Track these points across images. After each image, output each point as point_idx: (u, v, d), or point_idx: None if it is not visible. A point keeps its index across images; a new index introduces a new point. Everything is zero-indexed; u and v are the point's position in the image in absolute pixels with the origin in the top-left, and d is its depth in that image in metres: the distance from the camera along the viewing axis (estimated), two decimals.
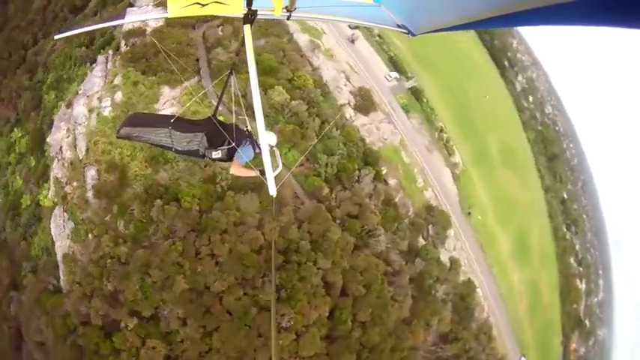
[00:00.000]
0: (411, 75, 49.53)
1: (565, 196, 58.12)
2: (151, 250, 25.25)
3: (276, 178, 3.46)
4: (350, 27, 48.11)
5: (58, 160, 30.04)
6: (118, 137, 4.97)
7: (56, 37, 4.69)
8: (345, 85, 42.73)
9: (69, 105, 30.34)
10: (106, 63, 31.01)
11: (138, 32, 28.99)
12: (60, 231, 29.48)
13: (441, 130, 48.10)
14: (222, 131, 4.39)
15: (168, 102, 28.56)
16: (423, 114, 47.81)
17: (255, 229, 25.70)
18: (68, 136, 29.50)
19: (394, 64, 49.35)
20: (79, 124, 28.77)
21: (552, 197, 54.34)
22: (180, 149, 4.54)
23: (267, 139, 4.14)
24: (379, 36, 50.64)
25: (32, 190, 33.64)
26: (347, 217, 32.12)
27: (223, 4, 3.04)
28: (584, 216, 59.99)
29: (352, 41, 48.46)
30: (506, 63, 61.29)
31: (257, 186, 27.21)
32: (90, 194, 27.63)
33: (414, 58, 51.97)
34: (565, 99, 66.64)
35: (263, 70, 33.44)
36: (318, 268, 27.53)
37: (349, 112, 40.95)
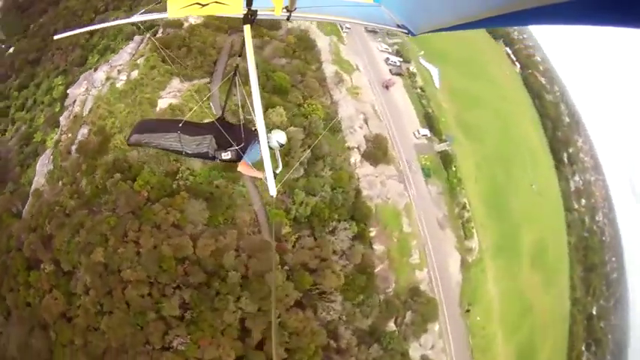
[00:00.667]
0: (445, 138, 48.66)
1: (594, 312, 53.10)
2: (91, 215, 28.07)
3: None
4: (391, 72, 51.15)
5: (68, 111, 35.74)
6: (128, 144, 5.80)
7: (56, 37, 5.41)
8: (361, 128, 42.60)
9: (96, 69, 36.61)
10: (140, 44, 37.19)
11: (175, 24, 35.07)
12: (42, 169, 35.03)
13: (464, 207, 45.23)
14: (230, 132, 4.84)
15: (172, 93, 33.05)
16: (447, 184, 45.56)
17: (189, 239, 26.80)
18: (83, 95, 35.58)
19: (429, 121, 49.22)
20: (95, 87, 34.76)
21: (579, 311, 49.29)
22: (190, 152, 5.01)
23: (277, 137, 4.91)
24: (421, 89, 52.34)
25: (46, 130, 40.37)
26: (300, 267, 30.88)
27: (223, 4, 3.24)
28: (609, 336, 54.13)
29: (387, 86, 49.80)
30: (565, 158, 60.53)
31: (214, 198, 28.96)
32: (74, 148, 32.36)
33: (456, 122, 51.87)
34: (619, 210, 64.60)
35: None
36: (239, 308, 27.09)
37: (355, 157, 40.39)
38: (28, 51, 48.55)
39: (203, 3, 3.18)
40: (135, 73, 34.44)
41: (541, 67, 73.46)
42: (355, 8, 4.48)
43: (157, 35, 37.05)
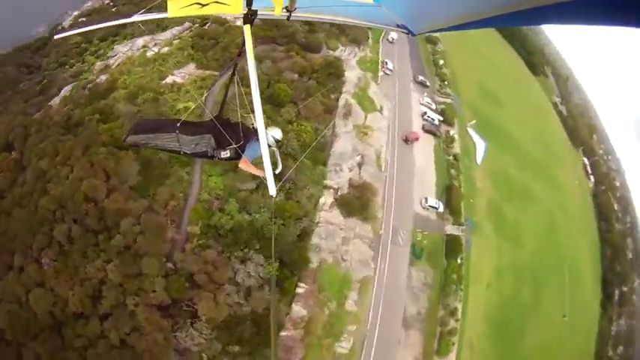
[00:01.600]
0: (465, 221, 44.80)
1: None
2: (63, 135, 37.57)
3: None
4: (423, 128, 53.07)
5: (105, 61, 47.35)
6: (125, 144, 6.19)
7: (56, 36, 6.26)
8: (350, 170, 41.21)
9: (139, 36, 50.04)
10: (186, 30, 48.29)
11: (221, 21, 45.42)
12: (63, 94, 47.15)
13: (453, 314, 39.13)
14: (229, 130, 5.34)
15: (182, 74, 42.51)
16: (441, 276, 40.36)
17: (106, 187, 32.64)
18: (123, 53, 47.03)
19: (449, 195, 45.98)
20: (131, 50, 45.76)
21: None
22: (188, 152, 5.55)
23: (272, 133, 5.77)
24: (455, 157, 52.09)
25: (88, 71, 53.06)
26: (184, 274, 31.27)
27: (223, 4, 3.63)
28: None
29: (406, 139, 50.97)
30: (616, 296, 57.05)
31: (153, 169, 34.18)
32: (89, 86, 42.32)
33: (488, 209, 48.71)
34: None
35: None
36: (104, 270, 30.12)
37: (327, 198, 38.26)
38: (123, 12, 64.05)
39: (203, 3, 3.54)
40: (165, 49, 45.75)
41: (618, 193, 74.59)
42: (355, 8, 4.85)
43: (205, 27, 48.59)
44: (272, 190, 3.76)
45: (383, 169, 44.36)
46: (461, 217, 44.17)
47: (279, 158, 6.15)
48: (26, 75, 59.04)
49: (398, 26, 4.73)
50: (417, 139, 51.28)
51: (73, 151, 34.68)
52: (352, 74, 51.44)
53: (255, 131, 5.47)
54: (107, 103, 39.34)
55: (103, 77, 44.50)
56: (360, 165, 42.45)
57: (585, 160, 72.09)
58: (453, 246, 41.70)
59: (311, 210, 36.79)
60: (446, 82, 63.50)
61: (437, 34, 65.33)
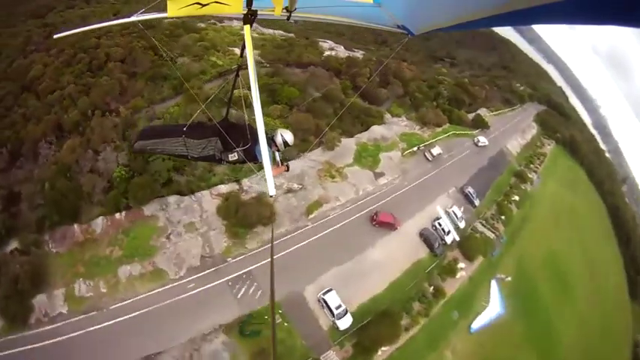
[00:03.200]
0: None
1: None
2: None
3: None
4: (421, 235, 39.86)
5: None
6: (133, 152, 9.27)
7: (56, 36, 5.92)
8: (272, 197, 37.72)
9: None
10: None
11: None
12: None
13: None
14: (235, 133, 5.37)
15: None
16: None
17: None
18: None
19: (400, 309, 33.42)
20: None
21: None
22: (196, 156, 5.60)
23: (285, 136, 5.83)
24: (434, 292, 37.08)
25: None
26: None
27: (223, 4, 3.71)
28: None
29: (375, 221, 38.23)
30: None
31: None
32: None
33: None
34: None
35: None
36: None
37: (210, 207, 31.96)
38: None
39: (203, 3, 3.59)
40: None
41: None
42: (355, 9, 4.88)
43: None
44: (272, 190, 3.77)
45: (309, 223, 35.57)
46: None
47: (279, 160, 6.17)
48: None
49: (397, 27, 4.76)
50: (390, 225, 38.37)
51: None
52: (382, 130, 49.99)
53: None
54: None
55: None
56: (290, 190, 36.99)
57: None
58: None
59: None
60: (503, 218, 49.23)
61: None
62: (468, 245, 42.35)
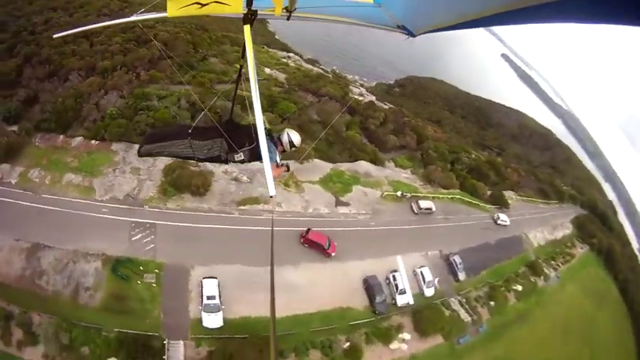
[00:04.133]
0: None
1: None
2: None
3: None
4: (366, 283, 34.54)
5: None
6: (140, 156, 6.21)
7: (55, 36, 6.00)
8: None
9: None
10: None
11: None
12: None
13: None
14: (240, 133, 5.41)
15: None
16: None
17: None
18: None
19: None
20: None
21: None
22: (202, 157, 5.66)
23: (292, 136, 6.04)
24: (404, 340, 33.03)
25: None
26: None
27: (223, 4, 3.71)
28: None
29: (304, 239, 34.73)
30: None
31: None
32: None
33: None
34: None
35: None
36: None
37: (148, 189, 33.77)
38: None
39: (203, 3, 3.60)
40: None
41: None
42: (355, 9, 4.91)
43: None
44: (272, 190, 3.79)
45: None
46: None
47: (279, 160, 6.15)
48: None
49: (398, 27, 4.74)
50: (321, 247, 34.46)
51: None
52: (370, 167, 47.30)
53: (267, 133, 5.63)
54: None
55: None
56: (236, 179, 36.96)
57: None
58: None
59: None
60: (492, 304, 41.45)
61: None
62: (425, 316, 34.47)
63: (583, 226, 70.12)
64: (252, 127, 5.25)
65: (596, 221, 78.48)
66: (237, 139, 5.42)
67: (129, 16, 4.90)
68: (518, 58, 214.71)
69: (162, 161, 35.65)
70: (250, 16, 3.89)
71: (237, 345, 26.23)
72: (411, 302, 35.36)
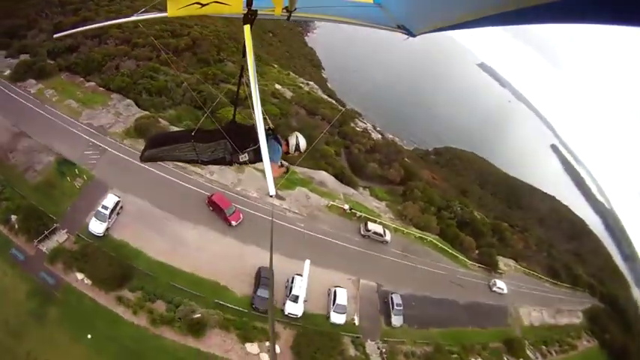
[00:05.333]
0: None
1: None
2: None
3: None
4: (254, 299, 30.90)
5: None
6: (142, 161, 6.12)
7: (55, 36, 5.98)
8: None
9: None
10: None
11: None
12: None
13: None
14: (244, 133, 5.42)
15: None
16: None
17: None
18: None
19: None
20: None
21: None
22: (206, 160, 5.61)
23: (300, 140, 6.12)
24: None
25: None
26: None
27: (223, 4, 3.70)
28: None
29: (210, 202, 35.58)
30: None
31: None
32: None
33: None
34: None
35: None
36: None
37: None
38: None
39: (203, 3, 3.59)
40: None
41: None
42: (355, 8, 4.88)
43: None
44: (272, 189, 3.76)
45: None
46: None
47: (280, 160, 6.16)
48: None
49: (397, 27, 4.71)
50: (221, 212, 34.75)
51: None
52: (330, 179, 45.97)
53: (271, 133, 5.67)
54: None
55: None
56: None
57: None
58: None
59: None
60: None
61: None
62: (313, 341, 30.30)
63: (597, 319, 60.08)
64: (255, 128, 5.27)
65: (614, 316, 66.59)
66: (241, 140, 5.39)
67: (129, 16, 4.86)
68: (567, 151, 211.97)
69: (141, 113, 44.17)
70: (250, 16, 3.88)
71: (94, 249, 30.42)
72: (299, 314, 31.26)
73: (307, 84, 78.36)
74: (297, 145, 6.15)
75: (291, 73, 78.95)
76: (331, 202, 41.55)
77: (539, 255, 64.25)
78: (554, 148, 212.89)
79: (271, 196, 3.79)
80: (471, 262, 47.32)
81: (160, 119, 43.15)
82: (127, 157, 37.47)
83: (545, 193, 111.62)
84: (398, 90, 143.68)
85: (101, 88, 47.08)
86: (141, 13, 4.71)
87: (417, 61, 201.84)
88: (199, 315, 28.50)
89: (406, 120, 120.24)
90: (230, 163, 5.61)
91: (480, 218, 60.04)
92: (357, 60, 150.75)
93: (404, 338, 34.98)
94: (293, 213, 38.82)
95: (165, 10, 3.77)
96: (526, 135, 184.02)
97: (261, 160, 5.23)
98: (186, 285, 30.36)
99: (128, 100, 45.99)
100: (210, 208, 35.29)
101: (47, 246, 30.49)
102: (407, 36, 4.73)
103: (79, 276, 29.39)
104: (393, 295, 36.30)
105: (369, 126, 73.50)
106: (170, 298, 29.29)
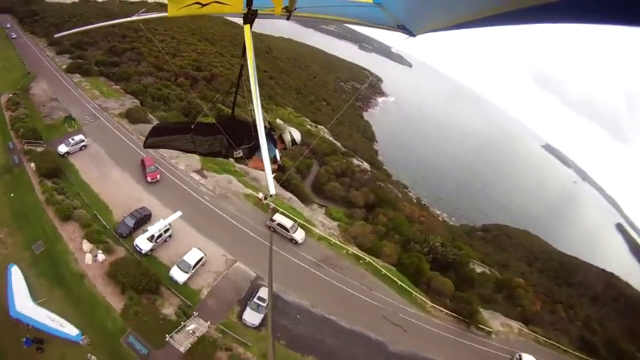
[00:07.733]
0: None
1: None
2: None
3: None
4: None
5: None
6: (145, 147, 6.45)
7: (56, 36, 6.25)
8: None
9: None
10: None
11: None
12: None
13: None
14: (241, 130, 5.57)
15: None
16: None
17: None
18: None
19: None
20: None
21: None
22: (203, 152, 5.89)
23: (293, 134, 6.27)
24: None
25: None
26: None
27: (223, 4, 3.69)
28: None
29: (141, 161, 44.56)
30: None
31: None
32: None
33: None
34: None
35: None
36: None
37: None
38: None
39: (203, 3, 3.60)
40: None
41: None
42: (355, 8, 4.92)
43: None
44: (272, 189, 3.79)
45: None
46: None
47: (279, 158, 6.24)
48: None
49: (397, 27, 4.67)
50: (143, 167, 43.21)
51: None
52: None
53: (268, 130, 5.82)
54: None
55: None
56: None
57: None
58: None
59: None
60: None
61: None
62: (129, 277, 29.44)
63: None
64: (253, 125, 5.25)
65: None
66: (238, 136, 5.55)
67: (129, 16, 4.87)
68: (633, 229, 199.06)
69: (131, 103, 58.39)
70: (250, 16, 3.90)
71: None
72: (146, 250, 32.30)
73: (317, 127, 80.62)
74: (293, 139, 6.32)
75: (301, 116, 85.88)
76: (250, 192, 42.50)
77: (565, 322, 50.74)
78: (619, 227, 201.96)
79: (271, 196, 3.80)
80: (433, 305, 37.41)
81: (148, 112, 56.19)
82: (108, 125, 51.47)
83: (603, 270, 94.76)
84: (459, 173, 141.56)
85: (122, 90, 63.83)
86: (141, 13, 4.72)
87: (481, 144, 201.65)
88: (76, 210, 35.92)
89: (459, 199, 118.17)
90: (226, 157, 5.83)
91: (489, 273, 52.00)
92: (413, 139, 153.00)
93: (249, 342, 28.08)
94: (206, 189, 43.33)
95: (165, 10, 3.75)
96: (589, 214, 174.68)
97: (254, 155, 5.56)
98: (88, 198, 38.33)
99: (136, 100, 60.76)
100: (141, 167, 43.77)
101: None
102: (407, 36, 4.68)
103: None
104: (261, 288, 30.85)
105: (365, 165, 69.86)
106: (72, 198, 37.56)
